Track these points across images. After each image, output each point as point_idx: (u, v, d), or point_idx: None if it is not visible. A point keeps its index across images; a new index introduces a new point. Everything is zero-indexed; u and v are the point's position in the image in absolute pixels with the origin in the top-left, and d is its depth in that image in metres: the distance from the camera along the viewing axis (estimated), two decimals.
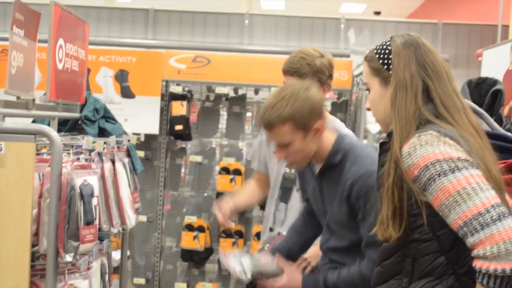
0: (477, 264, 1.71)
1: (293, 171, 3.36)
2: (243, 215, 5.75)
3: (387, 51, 2.01)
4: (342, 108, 5.74)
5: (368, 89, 2.08)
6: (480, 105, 2.16)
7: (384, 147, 2.01)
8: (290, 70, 3.08)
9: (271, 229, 3.44)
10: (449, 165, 1.76)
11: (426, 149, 1.80)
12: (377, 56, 2.03)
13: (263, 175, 3.55)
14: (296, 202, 3.35)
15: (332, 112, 5.79)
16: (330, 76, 3.13)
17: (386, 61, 2.00)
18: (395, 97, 1.95)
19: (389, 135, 1.97)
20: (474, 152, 1.82)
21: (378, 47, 2.05)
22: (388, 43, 2.02)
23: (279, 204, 3.45)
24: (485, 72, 4.17)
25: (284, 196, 3.42)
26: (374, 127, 5.46)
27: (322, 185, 2.58)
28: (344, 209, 2.45)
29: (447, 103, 1.92)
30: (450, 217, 1.76)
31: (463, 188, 1.74)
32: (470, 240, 1.72)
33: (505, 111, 3.64)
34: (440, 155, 1.78)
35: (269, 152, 3.46)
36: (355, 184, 2.40)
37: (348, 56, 6.32)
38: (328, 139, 2.50)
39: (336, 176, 2.49)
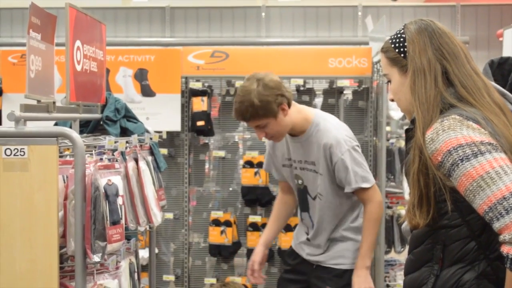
0: (504, 249, 1.67)
1: (300, 181, 3.31)
2: (269, 208, 5.74)
3: (401, 39, 1.99)
4: (363, 95, 5.70)
5: (388, 80, 2.07)
6: (503, 85, 2.13)
7: (409, 133, 1.99)
8: (241, 118, 3.09)
9: (308, 239, 3.37)
10: (472, 150, 1.73)
11: (449, 134, 1.77)
12: (392, 46, 2.01)
13: (285, 182, 3.50)
14: (316, 209, 3.26)
15: (353, 100, 5.78)
16: (280, 95, 3.03)
17: (402, 49, 1.98)
18: (414, 84, 1.92)
19: (413, 121, 1.95)
20: (498, 132, 1.79)
21: (392, 37, 2.03)
22: (402, 31, 2.00)
23: (301, 214, 3.39)
24: (507, 52, 4.09)
25: (303, 205, 3.36)
26: (397, 113, 5.41)
27: None
28: None
29: (467, 83, 1.89)
30: (475, 202, 1.73)
31: (486, 173, 1.70)
32: (496, 225, 1.69)
33: None
34: (463, 140, 1.75)
35: (277, 162, 3.42)
36: None
37: (367, 43, 6.27)
38: None
39: None
